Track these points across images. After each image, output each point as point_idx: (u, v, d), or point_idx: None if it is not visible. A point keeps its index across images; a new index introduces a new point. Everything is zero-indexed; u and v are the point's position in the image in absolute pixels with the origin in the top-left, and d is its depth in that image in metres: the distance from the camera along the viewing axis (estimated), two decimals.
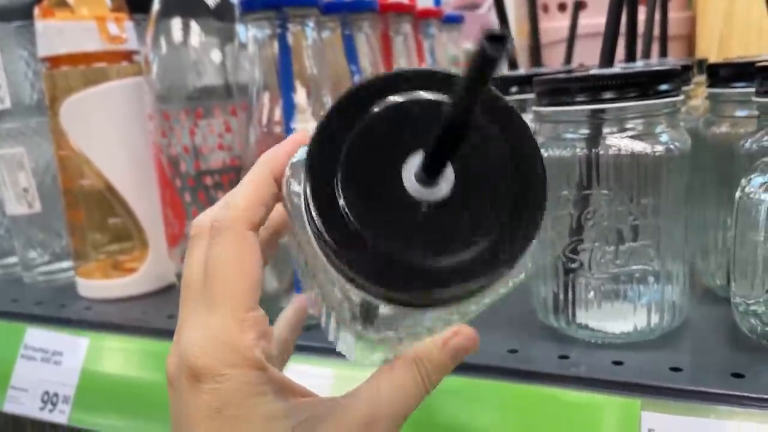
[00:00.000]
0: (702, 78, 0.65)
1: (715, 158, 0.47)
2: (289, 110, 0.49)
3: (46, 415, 0.55)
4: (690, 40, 0.85)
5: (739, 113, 0.46)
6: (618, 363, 0.41)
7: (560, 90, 0.41)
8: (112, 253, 0.63)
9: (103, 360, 0.54)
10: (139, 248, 0.62)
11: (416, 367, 0.28)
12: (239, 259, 0.26)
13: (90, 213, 0.61)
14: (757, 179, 0.36)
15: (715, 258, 0.49)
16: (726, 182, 0.46)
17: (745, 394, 0.36)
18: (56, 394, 0.55)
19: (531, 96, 0.56)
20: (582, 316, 0.43)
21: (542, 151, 0.42)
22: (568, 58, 0.66)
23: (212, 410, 0.24)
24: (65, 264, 0.68)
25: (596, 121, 0.40)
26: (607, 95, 0.40)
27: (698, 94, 0.64)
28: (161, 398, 0.51)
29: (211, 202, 0.55)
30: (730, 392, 0.36)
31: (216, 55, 0.56)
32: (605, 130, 0.40)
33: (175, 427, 0.27)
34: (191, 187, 0.55)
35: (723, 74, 0.47)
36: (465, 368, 0.42)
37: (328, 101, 0.50)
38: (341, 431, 0.26)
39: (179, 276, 0.58)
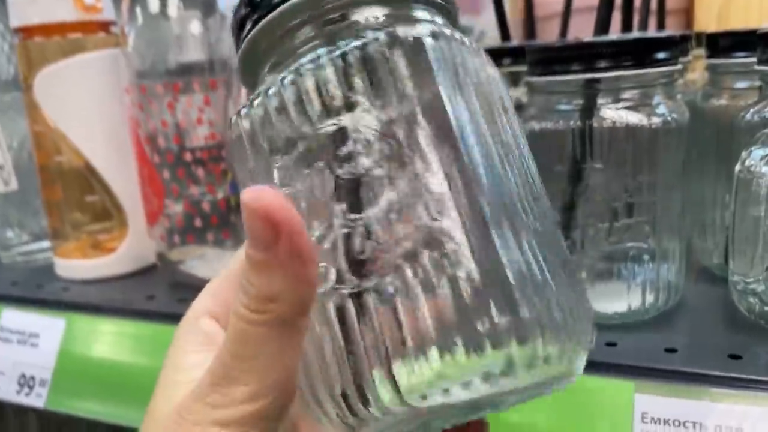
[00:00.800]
0: (700, 52, 0.63)
1: (713, 132, 0.46)
2: None
3: (23, 399, 0.53)
4: (688, 14, 0.83)
5: (740, 84, 0.45)
6: (611, 344, 0.39)
7: (554, 59, 0.39)
8: (91, 233, 0.61)
9: (81, 342, 0.53)
10: (118, 227, 0.60)
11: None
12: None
13: (67, 191, 0.59)
14: (758, 152, 0.34)
15: (712, 236, 0.47)
16: (724, 157, 0.44)
17: (743, 375, 0.34)
18: (33, 378, 0.53)
19: (523, 69, 0.54)
20: None
21: (534, 123, 0.41)
22: (563, 31, 0.64)
23: None
24: (44, 244, 0.66)
25: (590, 92, 0.39)
26: (602, 64, 0.38)
27: (696, 68, 0.62)
28: (141, 381, 0.50)
29: (191, 178, 0.53)
30: (727, 374, 0.35)
31: (196, 28, 0.53)
32: (600, 101, 0.39)
33: None
34: (170, 163, 0.53)
35: (723, 44, 0.45)
36: None
37: None
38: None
39: (160, 255, 0.56)
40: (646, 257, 0.40)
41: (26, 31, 0.56)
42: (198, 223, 0.54)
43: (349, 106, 0.20)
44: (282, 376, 0.21)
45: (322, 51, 0.21)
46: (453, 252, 0.19)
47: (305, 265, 0.19)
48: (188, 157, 0.53)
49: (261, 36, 0.23)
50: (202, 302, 0.26)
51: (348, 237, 0.20)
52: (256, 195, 0.19)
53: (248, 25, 0.23)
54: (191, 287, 0.55)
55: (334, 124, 0.20)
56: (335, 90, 0.20)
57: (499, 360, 0.18)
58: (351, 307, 0.20)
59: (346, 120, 0.20)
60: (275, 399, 0.21)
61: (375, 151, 0.20)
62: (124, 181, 0.58)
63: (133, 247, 0.59)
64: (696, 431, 0.34)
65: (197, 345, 0.25)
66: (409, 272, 0.19)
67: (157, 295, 0.55)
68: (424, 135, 0.20)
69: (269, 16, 0.23)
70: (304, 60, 0.21)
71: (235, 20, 0.24)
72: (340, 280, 0.20)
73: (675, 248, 0.41)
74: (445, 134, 0.20)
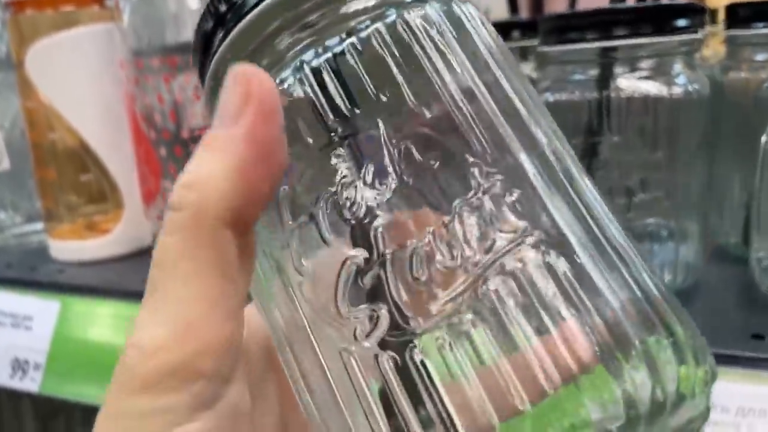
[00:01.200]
0: (714, 28, 0.61)
1: (732, 106, 0.44)
2: None
3: (17, 383, 0.52)
4: None
5: (760, 57, 0.43)
6: None
7: (568, 27, 0.37)
8: (86, 215, 0.59)
9: (76, 325, 0.51)
10: (113, 208, 0.58)
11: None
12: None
13: (61, 171, 0.57)
14: None
15: (729, 215, 0.46)
16: (744, 132, 0.43)
17: (766, 355, 0.33)
18: (27, 361, 0.51)
19: (533, 43, 0.53)
20: None
21: (548, 96, 0.39)
22: (572, 3, 0.62)
23: None
24: (38, 226, 0.64)
25: (607, 61, 0.37)
26: (619, 31, 0.36)
27: (711, 44, 0.60)
28: None
29: (189, 157, 0.51)
30: (751, 354, 0.33)
31: (194, 4, 0.51)
32: (616, 70, 0.37)
33: None
34: (167, 141, 0.51)
35: (742, 14, 0.43)
36: None
37: None
38: None
39: (156, 237, 0.55)
40: (664, 235, 0.38)
41: (17, 5, 0.54)
42: None
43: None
44: (208, 318, 0.16)
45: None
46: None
47: (273, 145, 0.16)
48: (186, 134, 0.51)
49: (238, 44, 0.18)
50: None
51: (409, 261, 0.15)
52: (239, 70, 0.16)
53: (219, 35, 0.18)
54: None
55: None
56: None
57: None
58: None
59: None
60: (196, 352, 0.16)
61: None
62: (119, 159, 0.56)
63: (129, 228, 0.57)
64: (718, 414, 0.32)
65: None
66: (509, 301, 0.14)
67: None
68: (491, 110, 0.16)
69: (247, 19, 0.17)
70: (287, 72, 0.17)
71: (199, 34, 0.19)
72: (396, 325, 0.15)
73: (694, 227, 0.39)
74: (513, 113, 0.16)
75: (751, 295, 0.40)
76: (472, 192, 0.15)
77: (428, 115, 0.16)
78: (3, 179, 0.63)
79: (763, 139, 0.33)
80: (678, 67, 0.37)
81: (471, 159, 0.16)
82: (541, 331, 0.14)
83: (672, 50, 0.37)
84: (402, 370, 0.15)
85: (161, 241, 0.16)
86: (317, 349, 0.17)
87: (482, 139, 0.16)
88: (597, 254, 0.15)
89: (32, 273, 0.57)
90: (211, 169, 0.16)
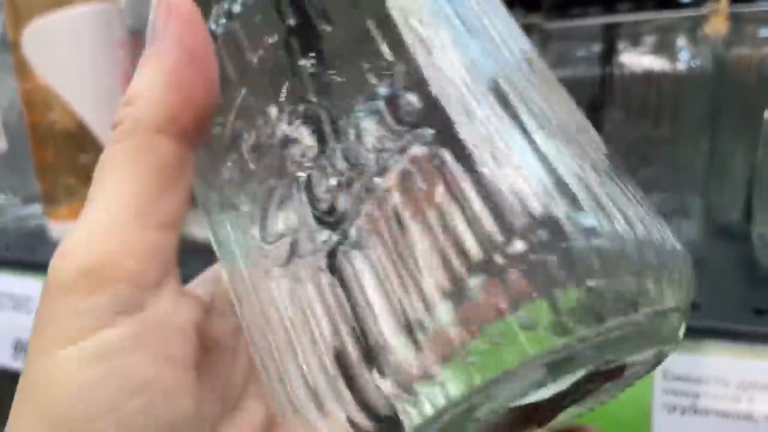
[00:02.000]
0: (717, 4, 0.61)
1: (735, 83, 0.44)
2: None
3: (19, 365, 0.52)
4: None
5: (763, 33, 0.43)
6: None
7: (571, 3, 0.37)
8: (85, 197, 0.59)
9: None
10: None
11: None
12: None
13: (60, 152, 0.57)
14: None
15: (731, 191, 0.46)
16: (746, 110, 0.43)
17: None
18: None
19: (535, 21, 0.52)
20: None
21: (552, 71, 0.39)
22: None
23: None
24: (37, 207, 0.64)
25: (610, 37, 0.37)
26: (622, 7, 0.36)
27: (713, 21, 0.60)
28: None
29: None
30: (752, 329, 0.33)
31: None
32: (620, 46, 0.37)
33: None
34: None
35: None
36: None
37: None
38: None
39: None
40: (667, 211, 0.38)
41: None
42: None
43: None
44: (133, 221, 0.16)
45: None
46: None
47: (198, 52, 0.17)
48: None
49: None
50: None
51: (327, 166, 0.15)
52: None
53: None
54: (191, 251, 0.53)
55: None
56: None
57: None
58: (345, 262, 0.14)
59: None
60: (113, 253, 0.15)
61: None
62: None
63: None
64: (720, 387, 0.32)
65: None
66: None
67: None
68: None
69: None
70: None
71: None
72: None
73: (696, 203, 0.39)
74: None
75: (752, 271, 0.40)
76: (369, 97, 0.15)
77: (331, 29, 0.16)
78: (1, 161, 0.63)
79: (766, 114, 0.32)
80: (681, 42, 0.37)
81: (368, 65, 0.15)
82: (438, 226, 0.14)
83: (675, 26, 0.36)
84: (330, 285, 0.15)
85: (102, 154, 0.17)
86: (252, 285, 0.16)
87: (380, 44, 0.15)
88: (494, 150, 0.14)
89: (32, 255, 0.56)
90: (146, 81, 0.17)
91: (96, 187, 0.17)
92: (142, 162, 0.16)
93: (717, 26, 0.58)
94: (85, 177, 0.58)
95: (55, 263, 0.16)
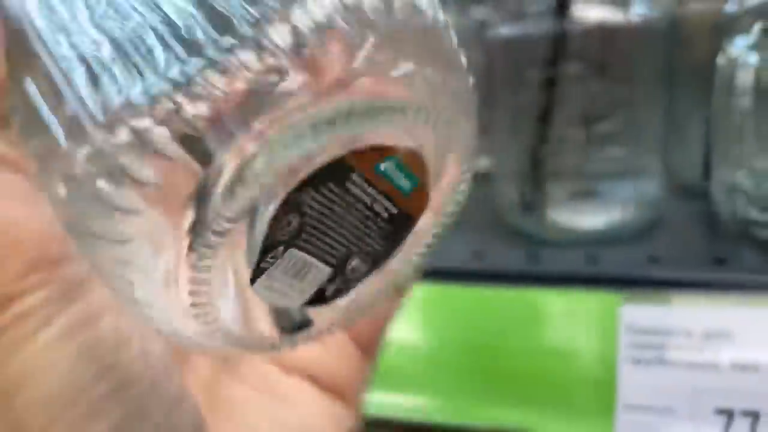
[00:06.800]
0: None
1: (689, 41, 0.44)
2: None
3: None
4: None
5: None
6: (593, 259, 0.37)
7: None
8: None
9: None
10: None
11: None
12: None
13: None
14: (741, 40, 0.32)
15: (689, 151, 0.46)
16: (701, 67, 0.43)
17: (729, 278, 0.33)
18: None
19: None
20: (553, 214, 0.40)
21: (505, 29, 0.39)
22: None
23: None
24: None
25: None
26: None
27: None
28: None
29: None
30: (714, 277, 0.33)
31: None
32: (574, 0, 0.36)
33: None
34: None
35: None
36: (427, 274, 0.38)
37: None
38: None
39: None
40: (625, 169, 0.38)
41: None
42: None
43: None
44: None
45: None
46: None
47: None
48: None
49: None
50: None
51: None
52: None
53: None
54: None
55: None
56: None
57: None
58: None
59: None
60: None
61: None
62: None
63: None
64: (684, 338, 0.32)
65: None
66: None
67: None
68: None
69: None
70: None
71: None
72: None
73: (654, 160, 0.39)
74: None
75: (712, 224, 0.41)
76: None
77: None
78: None
79: (719, 60, 0.32)
80: None
81: None
82: None
83: None
84: None
85: None
86: None
87: None
88: None
89: None
90: None
91: None
92: None
93: None
94: None
95: None
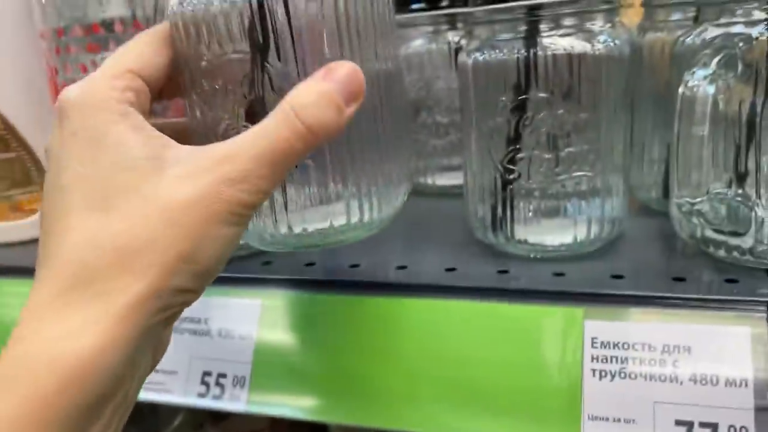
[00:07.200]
0: None
1: (650, 66, 0.46)
2: None
3: None
4: None
5: (675, 17, 0.45)
6: (559, 274, 0.39)
7: None
8: (10, 196, 0.57)
9: (4, 308, 0.49)
10: (39, 187, 0.56)
11: (287, 103, 0.26)
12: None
13: None
14: (701, 72, 0.34)
15: (650, 170, 0.48)
16: (662, 90, 0.45)
17: (687, 295, 0.35)
18: None
19: (460, 10, 0.53)
20: (521, 232, 0.41)
21: (478, 56, 0.40)
22: None
23: (69, 133, 0.27)
24: None
25: (532, 19, 0.38)
26: None
27: (627, 11, 0.62)
28: None
29: None
30: (673, 295, 0.35)
31: None
32: (542, 27, 0.38)
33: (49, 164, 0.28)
34: None
35: None
36: (399, 288, 0.40)
37: None
38: (195, 164, 0.26)
39: None
40: (591, 188, 0.40)
41: None
42: None
43: None
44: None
45: None
46: None
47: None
48: None
49: None
50: (123, 62, 0.29)
51: None
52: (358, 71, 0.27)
53: None
54: None
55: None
56: None
57: None
58: None
59: None
60: None
61: None
62: (43, 136, 0.54)
63: None
64: (646, 352, 0.34)
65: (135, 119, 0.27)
66: None
67: None
68: None
69: None
70: None
71: None
72: None
73: (618, 181, 0.41)
74: None
75: (672, 243, 0.43)
76: None
77: None
78: None
79: (680, 89, 0.34)
80: (600, 24, 0.38)
81: None
82: None
83: (594, 7, 0.38)
84: None
85: None
86: None
87: None
88: None
89: None
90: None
91: None
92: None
93: (630, 17, 0.60)
94: (10, 175, 0.56)
95: None
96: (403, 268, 0.42)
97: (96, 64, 0.48)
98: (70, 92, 0.27)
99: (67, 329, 0.24)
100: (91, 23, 0.48)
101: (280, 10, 0.28)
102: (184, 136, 0.30)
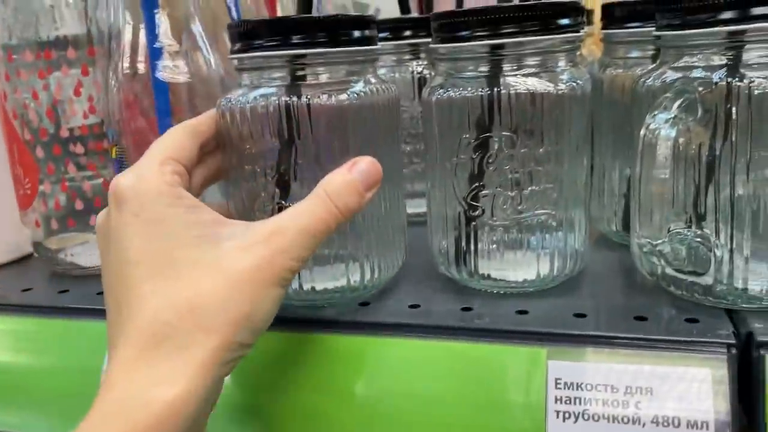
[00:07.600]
0: (591, 28, 0.64)
1: (609, 101, 0.47)
2: (156, 50, 0.43)
3: None
4: None
5: (634, 54, 0.46)
6: (522, 312, 0.39)
7: (458, 24, 0.38)
8: None
9: None
10: None
11: (322, 190, 0.33)
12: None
13: None
14: (662, 115, 0.34)
15: (610, 204, 0.48)
16: (621, 126, 0.45)
17: (649, 336, 0.35)
18: None
19: (424, 40, 0.53)
20: (485, 267, 0.41)
21: (441, 92, 0.40)
22: (459, 3, 0.63)
23: (132, 215, 0.31)
24: None
25: (496, 58, 0.38)
26: (507, 29, 0.37)
27: (587, 44, 0.63)
28: (21, 381, 0.46)
29: (70, 156, 0.48)
30: (635, 335, 0.35)
31: None
32: (505, 67, 0.38)
33: (104, 252, 0.33)
34: (44, 140, 0.48)
35: (617, 14, 0.46)
36: (364, 326, 0.39)
37: (201, 37, 0.45)
38: (250, 238, 0.31)
39: (36, 244, 0.51)
40: (554, 224, 0.40)
41: None
42: (79, 206, 0.49)
43: None
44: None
45: None
46: None
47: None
48: (65, 133, 0.48)
49: None
50: (165, 151, 0.34)
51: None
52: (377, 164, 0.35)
53: None
54: (73, 277, 0.50)
55: None
56: None
57: None
58: None
59: None
60: None
61: None
62: None
63: (4, 235, 0.53)
64: (609, 393, 0.34)
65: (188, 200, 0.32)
66: None
67: (35, 288, 0.50)
68: None
69: None
70: None
71: None
72: None
73: (581, 216, 0.41)
74: None
75: (633, 279, 0.43)
76: None
77: None
78: None
79: (642, 132, 0.35)
80: (562, 63, 0.39)
81: None
82: None
83: (556, 47, 0.38)
84: None
85: None
86: None
87: None
88: None
89: None
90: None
91: None
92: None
93: (590, 49, 0.61)
94: None
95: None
96: (365, 305, 0.42)
97: (49, 87, 0.47)
98: (126, 180, 0.32)
99: (156, 377, 0.28)
100: (42, 49, 0.46)
101: (303, 112, 0.36)
102: (225, 209, 0.38)
